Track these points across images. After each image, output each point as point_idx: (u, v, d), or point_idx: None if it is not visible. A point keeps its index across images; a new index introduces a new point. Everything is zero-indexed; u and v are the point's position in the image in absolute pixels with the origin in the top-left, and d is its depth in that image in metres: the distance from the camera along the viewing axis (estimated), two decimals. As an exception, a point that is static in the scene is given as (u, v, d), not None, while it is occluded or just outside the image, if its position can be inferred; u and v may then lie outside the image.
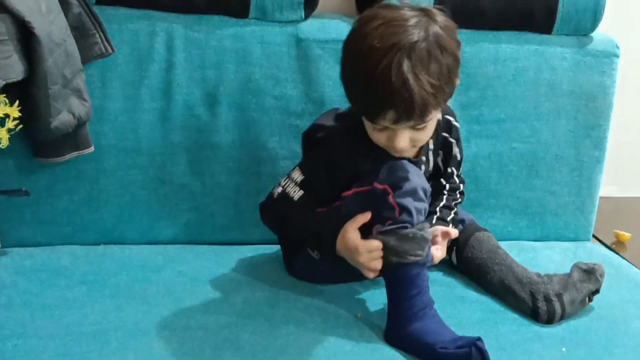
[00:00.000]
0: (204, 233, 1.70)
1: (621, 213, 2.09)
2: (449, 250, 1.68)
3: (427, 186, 1.46)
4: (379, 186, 1.43)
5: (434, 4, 1.75)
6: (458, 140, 1.67)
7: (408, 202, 1.41)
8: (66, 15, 1.50)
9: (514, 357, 1.41)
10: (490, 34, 1.82)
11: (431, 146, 1.62)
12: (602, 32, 1.88)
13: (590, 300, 1.59)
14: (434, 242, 1.55)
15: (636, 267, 1.82)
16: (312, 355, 1.35)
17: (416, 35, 1.35)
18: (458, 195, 1.70)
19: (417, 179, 1.43)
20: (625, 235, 1.99)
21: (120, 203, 1.64)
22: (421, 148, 1.55)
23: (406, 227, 1.41)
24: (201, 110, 1.66)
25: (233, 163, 1.68)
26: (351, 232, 1.42)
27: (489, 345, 1.42)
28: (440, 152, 1.65)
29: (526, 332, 1.50)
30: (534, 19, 1.82)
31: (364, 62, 1.37)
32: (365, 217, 1.43)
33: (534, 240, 1.88)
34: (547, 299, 1.54)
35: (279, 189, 1.52)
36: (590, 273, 1.58)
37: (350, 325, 1.45)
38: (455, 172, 1.70)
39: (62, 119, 1.48)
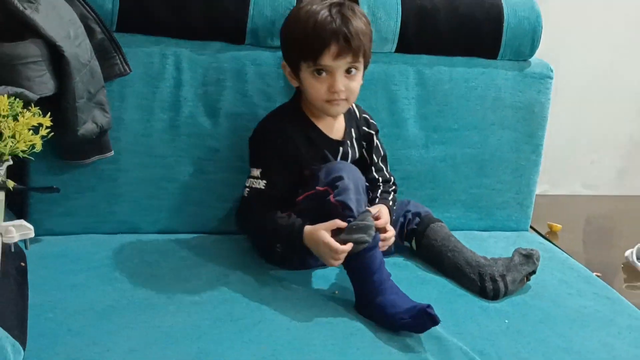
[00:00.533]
0: (205, 224, 1.69)
1: (554, 208, 2.10)
2: (409, 238, 1.69)
3: (361, 178, 1.47)
4: (320, 189, 1.45)
5: (399, 34, 1.75)
6: (377, 132, 1.69)
7: (346, 198, 1.41)
8: (91, 40, 1.50)
9: (465, 328, 1.42)
10: (446, 58, 1.82)
11: (354, 135, 1.63)
12: (539, 57, 1.89)
13: (528, 279, 1.60)
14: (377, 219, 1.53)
15: (566, 252, 1.84)
16: (297, 325, 1.35)
17: (338, 1, 1.49)
18: (392, 185, 1.69)
19: (350, 175, 1.44)
20: (557, 226, 2.01)
21: (134, 198, 1.63)
22: (347, 129, 1.60)
23: (350, 220, 1.40)
24: (204, 120, 1.66)
25: (229, 164, 1.68)
26: (322, 231, 1.41)
27: (444, 318, 1.42)
28: (363, 142, 1.66)
29: (475, 307, 1.51)
30: (482, 46, 1.83)
31: (305, 19, 1.46)
32: (333, 224, 1.41)
33: (482, 230, 1.89)
34: (493, 279, 1.54)
35: (246, 190, 1.53)
36: (528, 257, 1.59)
37: (329, 300, 1.46)
38: (384, 168, 1.70)
39: (87, 127, 1.48)
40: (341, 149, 1.60)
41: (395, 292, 1.41)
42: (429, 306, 1.33)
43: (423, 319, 1.33)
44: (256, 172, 1.53)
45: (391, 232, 1.56)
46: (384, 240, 1.52)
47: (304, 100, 1.58)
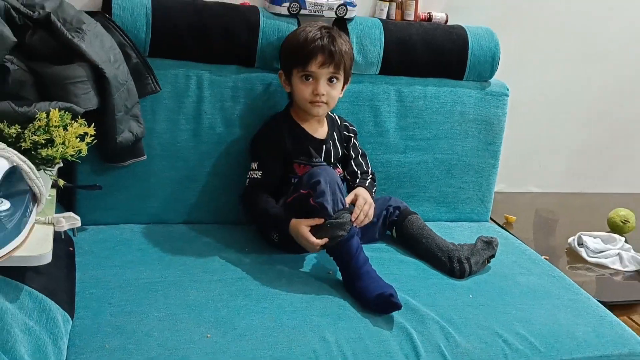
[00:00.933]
0: (222, 215, 1.68)
1: (509, 203, 2.10)
2: (391, 228, 1.69)
3: (336, 180, 1.46)
4: (303, 191, 1.46)
5: (382, 59, 1.75)
6: (355, 134, 1.71)
7: (323, 200, 1.42)
8: (127, 64, 1.50)
9: (436, 301, 1.43)
10: (421, 79, 1.81)
11: (337, 137, 1.65)
12: (497, 78, 1.89)
13: (488, 262, 1.60)
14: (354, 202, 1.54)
15: (519, 239, 1.84)
16: (298, 298, 1.36)
17: (321, 23, 1.57)
18: (369, 174, 1.68)
19: (327, 178, 1.44)
20: (512, 217, 2.01)
21: (164, 194, 1.63)
22: (330, 132, 1.62)
23: (328, 218, 1.41)
24: (221, 130, 1.65)
25: (242, 166, 1.66)
26: (302, 225, 1.44)
27: (418, 293, 1.44)
28: (345, 143, 1.68)
29: (445, 284, 1.52)
30: (450, 69, 1.83)
31: (300, 35, 1.53)
32: (314, 220, 1.43)
33: (450, 221, 1.88)
34: (460, 261, 1.55)
35: (247, 180, 1.56)
36: (489, 243, 1.60)
37: (324, 279, 1.46)
38: (363, 164, 1.70)
39: (124, 136, 1.48)
40: (324, 146, 1.61)
41: (371, 277, 1.40)
42: (391, 295, 1.34)
43: (387, 305, 1.34)
44: (254, 165, 1.56)
45: (369, 206, 1.55)
46: (366, 215, 1.53)
47: (294, 108, 1.61)
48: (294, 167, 1.56)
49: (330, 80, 1.54)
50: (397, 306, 1.34)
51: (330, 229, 1.40)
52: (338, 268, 1.45)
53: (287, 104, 1.64)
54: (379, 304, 1.34)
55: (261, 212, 1.51)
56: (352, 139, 1.70)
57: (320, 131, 1.62)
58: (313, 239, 1.42)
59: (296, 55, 1.53)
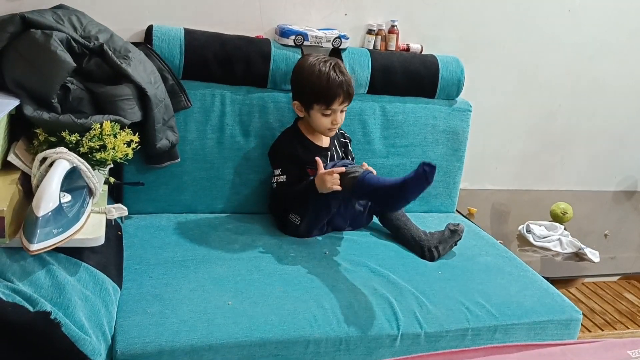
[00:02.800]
0: (240, 207, 1.67)
1: (471, 197, 2.10)
2: (376, 214, 1.67)
3: (347, 162, 1.50)
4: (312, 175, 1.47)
5: (370, 81, 1.74)
6: (350, 141, 1.70)
7: (342, 165, 1.44)
8: (165, 85, 1.50)
9: (412, 277, 1.43)
10: (400, 97, 1.81)
11: (336, 144, 1.64)
12: (462, 97, 1.89)
13: (455, 245, 1.59)
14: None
15: (479, 227, 1.84)
16: (302, 273, 1.36)
17: (333, 61, 1.51)
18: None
19: (338, 162, 1.49)
20: (474, 209, 2.01)
21: (194, 190, 1.62)
22: (332, 141, 1.61)
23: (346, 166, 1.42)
24: (240, 139, 1.64)
25: (256, 166, 1.66)
26: (321, 172, 1.43)
27: (398, 271, 1.43)
28: (342, 148, 1.67)
29: (419, 263, 1.52)
30: (425, 90, 1.82)
31: (321, 77, 1.47)
32: (335, 170, 1.42)
33: (424, 212, 1.87)
34: (429, 250, 1.53)
35: (274, 184, 1.54)
36: (455, 232, 1.58)
37: (322, 258, 1.46)
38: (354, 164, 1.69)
39: (162, 143, 1.48)
40: (329, 153, 1.61)
41: (396, 182, 1.34)
42: (429, 165, 1.30)
43: (425, 177, 1.31)
44: (278, 171, 1.54)
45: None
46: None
47: (302, 125, 1.59)
48: (307, 171, 1.55)
49: (342, 110, 1.54)
50: (434, 166, 1.29)
51: (350, 171, 1.40)
52: (370, 201, 1.45)
53: (295, 120, 1.62)
54: (424, 171, 1.30)
55: (295, 193, 1.49)
56: (349, 144, 1.70)
57: (324, 140, 1.61)
58: (330, 170, 1.40)
59: (320, 96, 1.48)
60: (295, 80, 1.56)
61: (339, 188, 1.42)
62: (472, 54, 1.98)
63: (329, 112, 1.50)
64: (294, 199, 1.52)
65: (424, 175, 1.30)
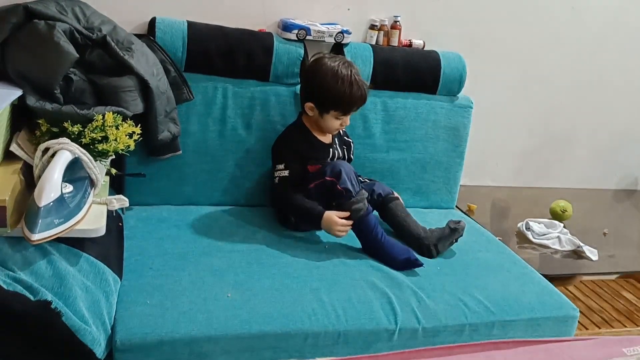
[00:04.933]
0: (242, 199, 1.68)
1: (471, 194, 2.10)
2: (375, 208, 1.66)
3: (352, 169, 1.49)
4: (328, 179, 1.47)
5: (371, 76, 1.74)
6: (352, 144, 1.70)
7: (346, 184, 1.44)
8: (167, 77, 1.49)
9: (411, 271, 1.43)
10: (402, 93, 1.80)
11: (337, 141, 1.64)
12: (464, 93, 1.88)
13: (455, 242, 1.57)
14: None
15: (479, 223, 1.84)
16: (301, 266, 1.37)
17: (353, 68, 1.50)
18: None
19: (346, 167, 1.47)
20: (473, 206, 2.01)
21: (195, 182, 1.62)
22: (333, 137, 1.61)
23: (350, 198, 1.43)
24: (241, 131, 1.64)
25: (257, 159, 1.66)
26: (334, 215, 1.45)
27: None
28: (344, 146, 1.67)
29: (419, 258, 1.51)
30: (426, 86, 1.82)
31: (344, 86, 1.47)
32: (343, 213, 1.45)
33: (423, 208, 1.87)
34: (428, 248, 1.53)
35: (277, 179, 1.52)
36: (455, 230, 1.56)
37: (322, 252, 1.46)
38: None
39: (164, 135, 1.47)
40: (331, 149, 1.61)
41: (391, 244, 1.45)
42: (416, 259, 1.42)
43: (413, 265, 1.42)
44: (281, 166, 1.52)
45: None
46: None
47: (307, 121, 1.58)
48: (307, 167, 1.54)
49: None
50: (420, 265, 1.42)
51: (354, 203, 1.43)
52: (358, 239, 1.47)
53: (299, 114, 1.61)
54: (407, 265, 1.41)
55: (298, 206, 1.48)
56: (352, 145, 1.70)
57: (327, 138, 1.61)
58: (344, 221, 1.43)
59: (340, 104, 1.49)
60: (313, 82, 1.52)
61: (343, 235, 1.46)
62: (474, 50, 1.97)
63: (342, 117, 1.52)
64: (290, 207, 1.51)
65: (409, 263, 1.42)
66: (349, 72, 1.48)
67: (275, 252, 1.42)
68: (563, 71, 2.16)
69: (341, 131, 1.67)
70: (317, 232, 1.55)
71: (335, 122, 1.53)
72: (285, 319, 1.19)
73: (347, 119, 1.55)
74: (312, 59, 1.57)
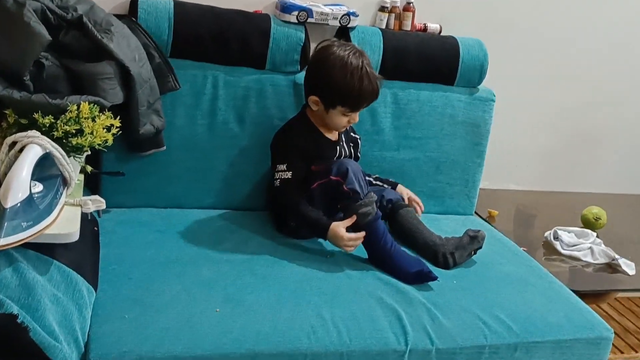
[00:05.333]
0: (233, 202, 1.68)
1: (492, 198, 2.10)
2: (384, 218, 1.66)
3: (360, 169, 1.50)
4: (334, 178, 1.47)
5: (381, 65, 1.74)
6: (360, 138, 1.71)
7: (354, 185, 1.45)
8: (151, 63, 1.49)
9: (423, 285, 1.43)
10: (415, 84, 1.81)
11: (344, 138, 1.65)
12: (485, 85, 1.89)
13: (475, 253, 1.58)
14: None
15: (500, 232, 1.84)
16: (299, 278, 1.37)
17: (364, 58, 1.49)
18: None
19: (354, 167, 1.48)
20: (495, 212, 2.01)
21: (181, 181, 1.63)
22: (339, 133, 1.62)
23: (357, 201, 1.43)
24: (233, 125, 1.65)
25: (252, 158, 1.67)
26: (341, 227, 1.45)
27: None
28: (351, 143, 1.68)
29: (432, 270, 1.49)
30: (443, 76, 1.82)
31: (354, 81, 1.46)
32: (350, 220, 1.45)
33: (438, 214, 1.87)
34: (444, 256, 1.53)
35: (277, 181, 1.51)
36: (474, 238, 1.56)
37: (323, 262, 1.46)
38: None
39: (146, 128, 1.48)
40: (337, 147, 1.61)
41: (401, 255, 1.46)
42: (430, 271, 1.42)
43: (425, 279, 1.41)
44: (282, 167, 1.51)
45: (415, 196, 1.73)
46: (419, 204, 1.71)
47: (312, 115, 1.58)
48: (311, 169, 1.54)
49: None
50: (434, 279, 1.41)
51: (362, 206, 1.43)
52: (364, 248, 1.48)
53: (303, 107, 1.62)
54: (419, 279, 1.41)
55: (301, 215, 1.48)
56: (359, 141, 1.71)
57: (333, 135, 1.61)
58: (352, 235, 1.44)
59: (348, 100, 1.49)
60: (319, 74, 1.52)
61: (352, 250, 1.46)
62: (497, 37, 1.97)
63: (350, 113, 1.52)
64: (293, 214, 1.50)
65: (422, 277, 1.42)
66: (360, 63, 1.47)
67: (270, 262, 1.42)
68: (596, 63, 2.16)
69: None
70: (319, 240, 1.55)
71: (342, 119, 1.53)
72: (281, 338, 1.19)
73: (356, 116, 1.55)
74: (318, 47, 1.56)
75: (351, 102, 1.50)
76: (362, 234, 1.45)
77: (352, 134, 1.69)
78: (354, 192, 1.44)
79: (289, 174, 1.51)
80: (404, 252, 1.47)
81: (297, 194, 1.50)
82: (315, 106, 1.54)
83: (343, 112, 1.51)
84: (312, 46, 1.72)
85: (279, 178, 1.52)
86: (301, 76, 1.69)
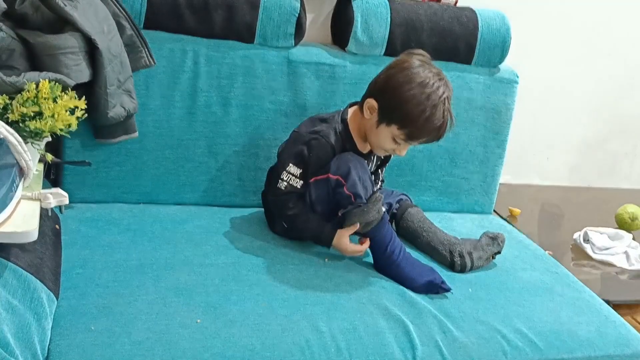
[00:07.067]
0: (216, 197, 1.69)
1: (514, 195, 2.11)
2: (390, 221, 1.66)
3: (365, 167, 1.47)
4: (332, 177, 1.46)
5: (388, 40, 1.74)
6: (390, 159, 1.69)
7: (357, 188, 1.44)
8: (121, 35, 1.49)
9: (435, 294, 1.44)
10: (427, 62, 1.81)
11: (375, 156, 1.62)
12: (508, 64, 1.89)
13: (493, 258, 1.59)
14: None
15: (523, 233, 1.85)
16: (292, 286, 1.37)
17: (448, 91, 1.45)
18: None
19: (358, 165, 1.45)
20: (517, 210, 2.02)
21: (156, 173, 1.63)
22: (372, 152, 1.59)
23: (360, 206, 1.43)
24: (217, 109, 1.65)
25: (238, 147, 1.67)
26: (345, 237, 1.48)
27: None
28: (378, 162, 1.65)
29: (444, 277, 1.50)
30: (459, 53, 1.82)
31: (426, 111, 1.41)
32: (354, 228, 1.47)
33: (452, 212, 1.89)
34: (461, 255, 1.55)
35: (284, 184, 1.49)
36: (494, 239, 1.58)
37: (320, 267, 1.47)
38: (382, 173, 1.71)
39: (116, 111, 1.47)
40: (367, 163, 1.55)
41: (411, 262, 1.47)
42: (443, 282, 1.43)
43: (437, 289, 1.43)
44: (296, 170, 1.49)
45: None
46: None
47: (354, 122, 1.53)
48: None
49: None
50: (447, 290, 1.43)
51: (365, 213, 1.43)
52: (371, 252, 1.49)
53: (348, 107, 1.57)
54: (430, 289, 1.43)
55: (302, 228, 1.51)
56: (386, 162, 1.68)
57: (366, 144, 1.56)
58: (358, 247, 1.48)
59: (409, 125, 1.43)
60: (392, 79, 1.45)
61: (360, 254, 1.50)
62: (522, 9, 1.97)
63: (402, 141, 1.48)
64: (293, 222, 1.50)
65: (433, 287, 1.44)
66: (442, 92, 1.43)
67: (259, 266, 1.42)
68: (638, 41, 2.16)
69: None
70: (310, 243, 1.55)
71: (388, 143, 1.48)
72: (270, 353, 1.19)
73: (404, 149, 1.50)
74: (405, 52, 1.51)
75: (411, 128, 1.44)
76: (367, 244, 1.48)
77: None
78: (356, 197, 1.43)
79: (299, 183, 1.49)
80: (414, 260, 1.48)
81: (302, 205, 1.50)
82: (369, 114, 1.48)
83: (395, 135, 1.46)
84: (309, 17, 1.72)
85: (287, 181, 1.49)
86: (296, 52, 1.69)
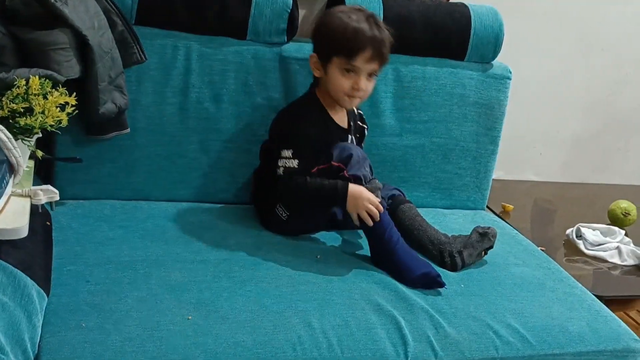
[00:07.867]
0: (208, 194, 1.69)
1: (507, 191, 2.11)
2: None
3: (364, 155, 1.52)
4: (335, 164, 1.48)
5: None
6: (367, 127, 1.72)
7: (356, 171, 1.47)
8: (112, 31, 1.48)
9: (427, 290, 1.43)
10: (420, 58, 1.81)
11: (353, 127, 1.65)
12: (500, 60, 1.89)
13: (485, 253, 1.59)
14: None
15: (516, 229, 1.85)
16: (284, 282, 1.37)
17: (370, 13, 1.52)
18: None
19: (357, 151, 1.50)
20: (509, 206, 2.02)
21: (148, 170, 1.62)
22: (349, 122, 1.62)
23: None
24: (209, 105, 1.64)
25: (231, 144, 1.67)
26: (365, 189, 1.46)
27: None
28: (357, 134, 1.68)
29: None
30: (451, 49, 1.82)
31: (349, 24, 1.46)
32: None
33: (445, 208, 1.89)
34: (451, 255, 1.54)
35: (281, 169, 1.49)
36: (484, 235, 1.58)
37: (313, 263, 1.47)
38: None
39: (107, 107, 1.47)
40: (349, 136, 1.61)
41: (407, 253, 1.47)
42: (438, 275, 1.43)
43: (432, 283, 1.43)
44: (287, 152, 1.49)
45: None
46: None
47: (321, 95, 1.57)
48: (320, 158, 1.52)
49: (370, 75, 1.51)
50: (442, 285, 1.43)
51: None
52: (368, 243, 1.50)
53: (312, 85, 1.61)
54: (425, 282, 1.43)
55: (317, 188, 1.47)
56: (365, 131, 1.71)
57: (343, 121, 1.60)
58: (377, 198, 1.45)
59: (343, 45, 1.46)
60: (317, 28, 1.55)
61: (374, 213, 1.45)
62: (514, 4, 1.97)
63: (349, 67, 1.49)
64: (307, 196, 1.49)
65: (428, 280, 1.43)
66: (362, 14, 1.49)
67: (251, 262, 1.42)
68: (630, 34, 2.17)
69: (355, 110, 1.67)
70: (309, 238, 1.56)
71: (343, 81, 1.50)
72: (262, 350, 1.19)
73: (362, 80, 1.50)
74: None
75: (345, 48, 1.46)
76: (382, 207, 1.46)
77: (359, 122, 1.69)
78: (356, 179, 1.46)
79: (294, 162, 1.48)
80: (411, 251, 1.49)
81: (308, 177, 1.49)
82: (317, 70, 1.54)
83: (341, 65, 1.48)
84: (301, 13, 1.71)
85: (282, 166, 1.49)
86: (288, 48, 1.68)
